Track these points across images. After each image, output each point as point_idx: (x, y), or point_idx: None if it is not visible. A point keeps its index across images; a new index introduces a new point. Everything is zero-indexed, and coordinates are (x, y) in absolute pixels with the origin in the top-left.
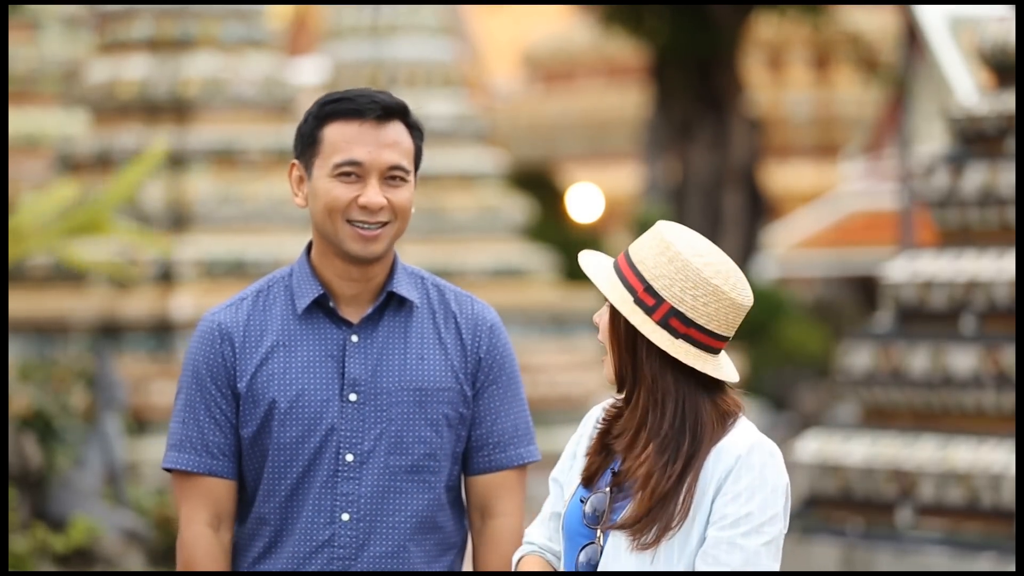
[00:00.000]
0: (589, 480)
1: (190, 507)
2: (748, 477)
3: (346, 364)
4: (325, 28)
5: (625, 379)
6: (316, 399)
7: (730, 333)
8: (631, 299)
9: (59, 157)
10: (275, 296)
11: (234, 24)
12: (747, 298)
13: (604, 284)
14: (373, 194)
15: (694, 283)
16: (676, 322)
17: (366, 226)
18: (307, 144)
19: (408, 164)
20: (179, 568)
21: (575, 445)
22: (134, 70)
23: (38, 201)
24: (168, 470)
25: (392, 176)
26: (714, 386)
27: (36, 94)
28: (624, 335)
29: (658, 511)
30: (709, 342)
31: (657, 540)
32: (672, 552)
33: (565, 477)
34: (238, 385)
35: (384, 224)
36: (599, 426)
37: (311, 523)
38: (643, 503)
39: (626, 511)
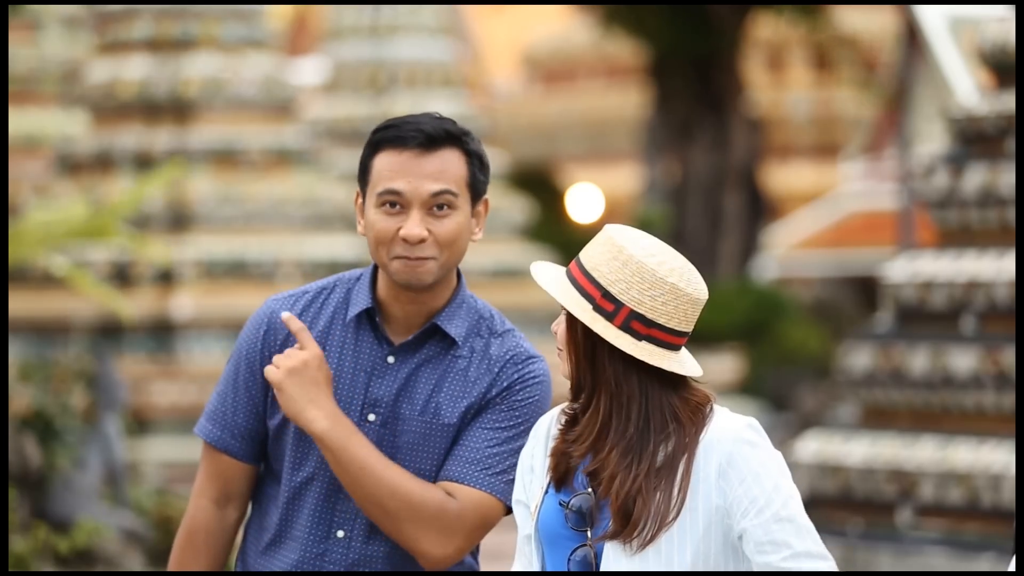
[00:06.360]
0: (561, 481)
1: (202, 479)
2: (755, 456)
3: (371, 383)
4: (325, 28)
5: (583, 386)
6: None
7: (690, 328)
8: (590, 307)
9: (59, 157)
10: (335, 297)
11: (234, 24)
12: (703, 292)
13: (561, 294)
14: (412, 226)
15: (651, 283)
16: (638, 324)
17: (410, 260)
18: (362, 173)
19: (456, 189)
20: (177, 539)
21: (529, 459)
22: (134, 70)
23: (45, 211)
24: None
25: (438, 205)
26: (680, 382)
27: (36, 94)
28: (583, 342)
29: (639, 511)
30: (671, 340)
31: (655, 536)
32: (672, 541)
33: (527, 494)
34: None
35: (427, 259)
36: (559, 427)
37: (309, 533)
38: (614, 507)
39: (610, 523)
